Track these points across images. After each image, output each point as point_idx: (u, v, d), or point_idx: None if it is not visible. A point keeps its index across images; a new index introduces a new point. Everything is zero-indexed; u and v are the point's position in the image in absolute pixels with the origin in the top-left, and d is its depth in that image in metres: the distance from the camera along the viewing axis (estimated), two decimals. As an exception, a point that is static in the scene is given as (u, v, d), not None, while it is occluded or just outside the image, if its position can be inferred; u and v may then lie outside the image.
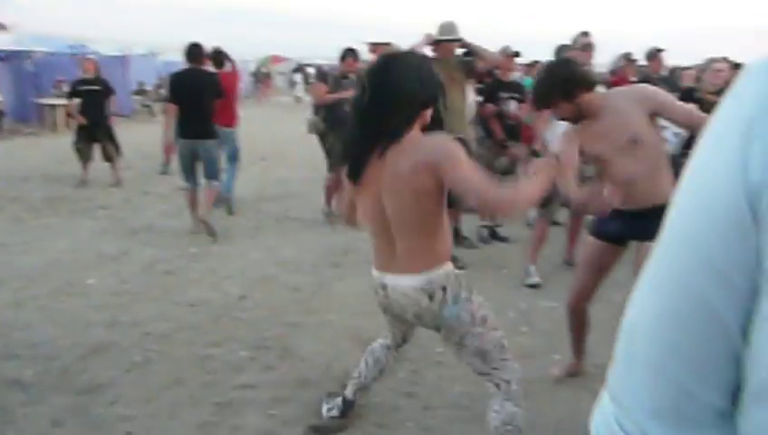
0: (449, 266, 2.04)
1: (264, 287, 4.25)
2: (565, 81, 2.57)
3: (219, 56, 6.48)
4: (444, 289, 2.00)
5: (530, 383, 2.99)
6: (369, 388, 2.59)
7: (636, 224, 2.61)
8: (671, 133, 4.60)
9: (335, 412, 2.57)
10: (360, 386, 2.56)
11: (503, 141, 5.23)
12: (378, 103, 1.91)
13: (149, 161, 9.08)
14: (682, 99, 4.87)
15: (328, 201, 6.05)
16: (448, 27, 4.76)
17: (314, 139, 6.00)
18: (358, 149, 1.99)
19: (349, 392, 2.58)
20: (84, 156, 7.69)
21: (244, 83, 22.91)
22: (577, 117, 2.63)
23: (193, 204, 5.63)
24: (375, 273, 2.15)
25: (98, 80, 7.89)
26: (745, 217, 0.45)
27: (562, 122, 2.83)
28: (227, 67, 6.57)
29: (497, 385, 2.10)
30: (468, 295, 2.06)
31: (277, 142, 10.69)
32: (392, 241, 2.03)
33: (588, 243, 2.92)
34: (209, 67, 6.03)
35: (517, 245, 5.29)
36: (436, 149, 1.89)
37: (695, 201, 0.50)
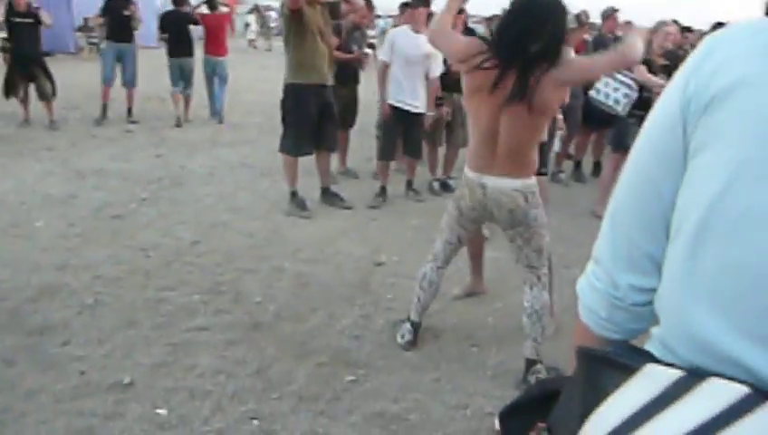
0: (535, 178, 2.55)
1: (217, 233, 4.26)
2: None
3: (212, 2, 8.38)
4: (533, 194, 2.52)
5: (475, 329, 3.18)
6: (427, 308, 2.94)
7: None
8: (622, 95, 4.76)
9: (409, 337, 2.90)
10: (421, 309, 2.91)
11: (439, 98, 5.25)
12: (553, 39, 2.33)
13: (97, 102, 8.74)
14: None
15: (343, 161, 6.00)
16: None
17: (269, 85, 5.84)
18: (530, 69, 2.32)
19: (414, 316, 2.92)
20: (19, 94, 7.28)
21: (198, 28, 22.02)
22: None
23: (177, 102, 8.03)
24: (471, 174, 2.56)
25: (29, 12, 7.34)
26: (678, 118, 0.69)
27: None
28: (220, 9, 8.58)
29: (539, 277, 2.63)
30: (542, 204, 2.58)
31: (231, 88, 10.43)
32: (495, 148, 2.45)
33: None
34: (204, 9, 8.42)
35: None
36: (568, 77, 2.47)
37: (655, 113, 0.74)
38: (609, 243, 0.78)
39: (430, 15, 4.80)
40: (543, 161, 3.13)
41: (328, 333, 3.02)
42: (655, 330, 0.73)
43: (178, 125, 7.85)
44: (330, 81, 4.73)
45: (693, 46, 5.64)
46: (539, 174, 3.04)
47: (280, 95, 4.76)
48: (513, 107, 2.36)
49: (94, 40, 15.58)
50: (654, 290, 0.74)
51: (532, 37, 2.30)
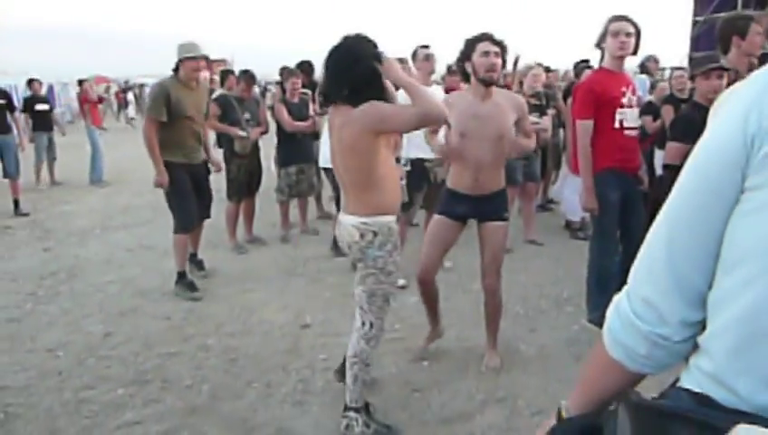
0: (387, 219, 2.54)
1: (129, 321, 4.04)
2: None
3: (81, 84, 10.70)
4: (372, 234, 2.50)
5: (413, 373, 3.24)
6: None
7: (480, 206, 3.14)
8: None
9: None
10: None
11: None
12: (356, 82, 2.43)
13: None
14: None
15: (232, 232, 5.77)
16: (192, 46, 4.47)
17: None
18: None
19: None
20: None
21: (70, 108, 21.04)
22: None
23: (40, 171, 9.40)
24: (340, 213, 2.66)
25: None
26: (739, 155, 0.72)
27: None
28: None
29: (363, 323, 2.61)
30: (391, 250, 2.55)
31: (116, 168, 10.07)
32: (346, 190, 2.58)
33: (436, 221, 3.23)
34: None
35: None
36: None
37: (707, 149, 0.76)
38: (663, 283, 0.78)
39: None
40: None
41: (269, 405, 2.94)
42: (704, 365, 0.75)
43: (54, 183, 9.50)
44: (198, 159, 4.66)
45: (557, 86, 6.14)
46: (502, 219, 3.18)
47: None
48: (338, 147, 2.52)
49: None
50: (700, 323, 0.77)
51: (341, 81, 2.44)
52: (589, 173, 3.48)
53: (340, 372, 2.95)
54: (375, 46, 2.47)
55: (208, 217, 4.96)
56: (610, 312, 0.85)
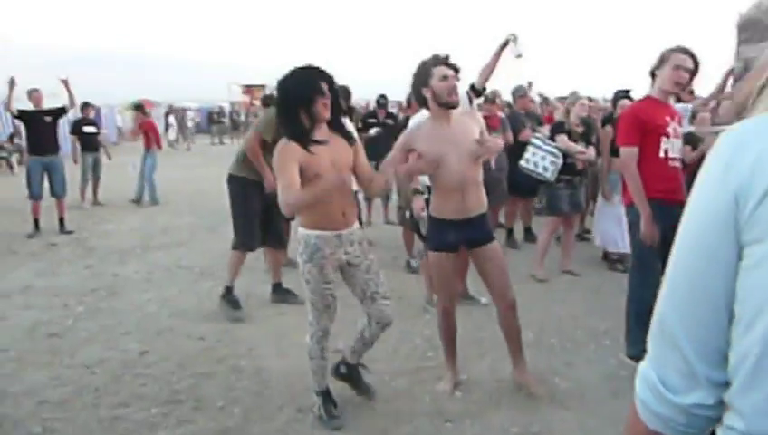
0: (307, 232, 2.82)
1: (165, 340, 4.10)
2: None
3: (140, 108, 10.86)
4: (299, 243, 2.85)
5: (446, 403, 3.19)
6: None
7: (469, 232, 3.08)
8: (549, 162, 5.10)
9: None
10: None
11: None
12: None
13: (13, 217, 8.37)
14: (553, 131, 5.41)
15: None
16: None
17: (195, 184, 5.58)
18: None
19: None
20: None
21: (111, 130, 21.80)
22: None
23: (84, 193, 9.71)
24: None
25: None
26: (729, 217, 0.72)
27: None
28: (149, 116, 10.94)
29: None
30: (306, 259, 2.81)
31: (157, 189, 10.28)
32: None
33: (436, 258, 3.19)
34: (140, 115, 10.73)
35: (412, 276, 5.51)
36: None
37: (697, 220, 0.77)
38: (684, 350, 0.77)
39: None
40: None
41: (300, 430, 2.93)
42: (736, 424, 0.74)
43: (97, 202, 9.76)
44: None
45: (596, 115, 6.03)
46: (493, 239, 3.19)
47: (207, 194, 4.68)
48: None
49: (3, 154, 15.11)
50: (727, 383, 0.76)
51: None
52: (644, 200, 3.37)
53: (335, 370, 3.22)
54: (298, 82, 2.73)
55: (284, 246, 5.04)
56: (639, 383, 0.84)
